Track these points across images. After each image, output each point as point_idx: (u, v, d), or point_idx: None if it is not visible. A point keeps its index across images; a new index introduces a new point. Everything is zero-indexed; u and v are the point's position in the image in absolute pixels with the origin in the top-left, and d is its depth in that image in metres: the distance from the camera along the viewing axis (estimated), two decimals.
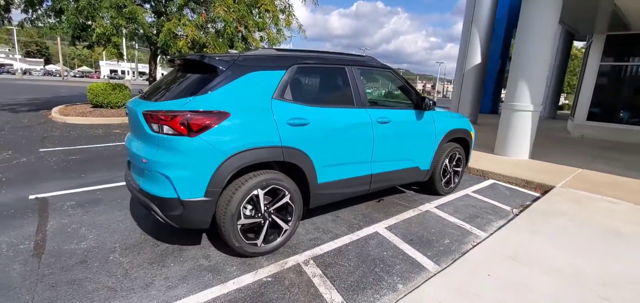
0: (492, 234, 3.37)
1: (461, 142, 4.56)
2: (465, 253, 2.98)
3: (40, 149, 6.17)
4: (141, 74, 62.95)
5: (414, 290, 2.38)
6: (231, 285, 2.42)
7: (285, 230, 2.89)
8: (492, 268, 2.68)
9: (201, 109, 2.41)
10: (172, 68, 3.32)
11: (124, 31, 9.53)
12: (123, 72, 68.89)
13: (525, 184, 5.12)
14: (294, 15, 11.95)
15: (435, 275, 2.59)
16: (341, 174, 3.24)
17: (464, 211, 4.01)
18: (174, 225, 2.56)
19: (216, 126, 2.43)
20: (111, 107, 10.30)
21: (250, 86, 2.68)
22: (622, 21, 9.22)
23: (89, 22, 9.32)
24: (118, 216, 3.49)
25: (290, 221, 2.91)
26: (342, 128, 3.17)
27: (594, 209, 4.00)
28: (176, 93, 2.62)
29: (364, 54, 3.90)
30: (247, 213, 2.66)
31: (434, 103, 3.84)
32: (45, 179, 4.55)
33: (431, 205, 4.16)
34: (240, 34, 10.15)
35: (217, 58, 2.66)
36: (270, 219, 2.79)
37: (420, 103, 3.86)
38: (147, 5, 10.55)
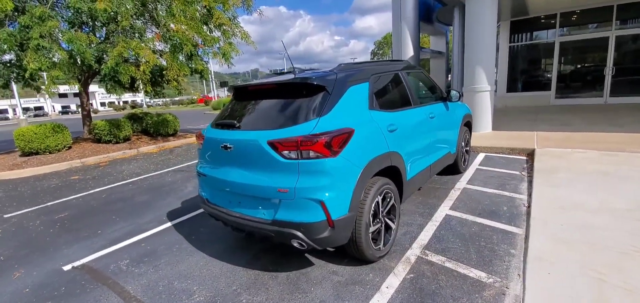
0: (530, 195, 4.08)
1: (468, 125, 5.28)
2: (528, 214, 3.60)
3: (5, 215, 5.06)
4: (25, 110, 52.71)
5: (527, 249, 2.86)
6: (387, 290, 2.56)
7: (393, 229, 3.11)
8: (557, 219, 3.32)
9: (334, 128, 2.49)
10: (238, 94, 3.23)
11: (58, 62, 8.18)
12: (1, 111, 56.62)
13: (510, 151, 6.14)
14: (242, 27, 11.70)
15: (529, 235, 3.11)
16: (417, 169, 3.58)
17: (491, 182, 4.71)
18: (316, 248, 2.57)
19: (349, 142, 2.54)
20: (50, 153, 8.71)
21: (354, 100, 2.83)
22: (524, 9, 11.38)
23: (11, 58, 7.78)
24: (197, 261, 3.24)
25: (394, 220, 3.13)
26: (414, 127, 3.51)
27: (575, 160, 5.08)
28: (288, 118, 2.61)
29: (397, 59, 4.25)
30: (372, 220, 2.81)
31: (461, 95, 4.41)
32: (57, 246, 3.85)
33: (462, 183, 4.76)
34: (198, 52, 9.57)
35: (323, 77, 2.73)
36: (384, 222, 2.98)
37: (446, 96, 4.40)
38: (64, 25, 9.02)
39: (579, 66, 11.76)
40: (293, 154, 2.43)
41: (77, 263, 3.42)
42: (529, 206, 3.80)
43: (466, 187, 4.60)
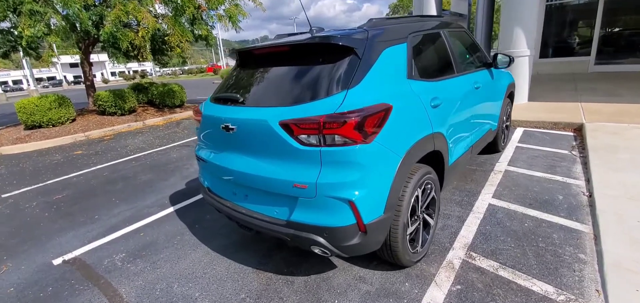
0: (588, 180, 3.46)
1: (511, 97, 4.58)
2: (591, 205, 3.00)
3: (2, 195, 4.75)
4: (39, 81, 52.67)
5: (602, 255, 2.29)
6: None
7: (432, 226, 2.58)
8: (630, 213, 2.73)
9: (367, 105, 1.90)
10: (243, 60, 2.64)
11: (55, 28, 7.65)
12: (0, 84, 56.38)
13: (553, 125, 5.43)
14: None
15: (599, 235, 2.53)
16: (460, 151, 2.99)
17: (537, 163, 4.07)
18: (341, 256, 2.07)
19: (386, 123, 1.96)
20: (53, 126, 8.38)
21: (390, 66, 2.21)
22: None
23: (9, 26, 7.30)
24: (201, 258, 2.80)
25: (433, 215, 2.60)
26: (460, 100, 2.89)
27: (635, 137, 4.37)
28: (306, 90, 2.02)
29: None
30: (410, 219, 2.27)
31: (511, 61, 3.67)
32: (51, 233, 3.49)
33: (503, 164, 4.15)
34: (201, 15, 8.87)
35: (352, 36, 2.10)
36: (421, 218, 2.44)
37: (492, 61, 3.69)
38: None
39: (623, 28, 10.54)
40: (313, 140, 1.88)
41: (68, 256, 3.04)
42: (590, 195, 3.19)
43: (508, 169, 3.98)
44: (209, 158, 2.54)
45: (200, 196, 4.04)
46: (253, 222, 2.23)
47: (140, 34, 7.63)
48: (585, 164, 3.90)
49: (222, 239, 3.07)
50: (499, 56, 3.64)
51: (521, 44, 6.68)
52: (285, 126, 1.93)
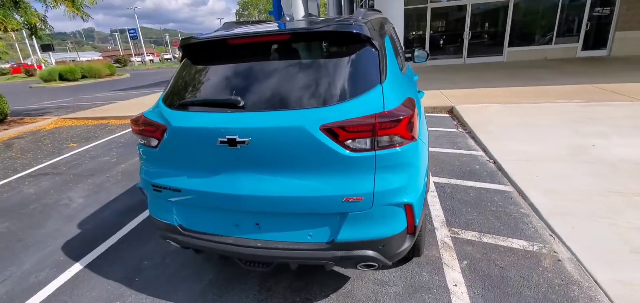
0: (485, 150, 4.35)
1: None
2: (500, 170, 3.79)
3: None
4: None
5: (536, 208, 2.95)
6: (457, 289, 2.20)
7: None
8: (529, 172, 3.60)
9: (403, 100, 1.83)
10: (202, 55, 2.10)
11: None
12: None
13: (433, 109, 6.58)
14: None
15: (522, 192, 3.22)
16: None
17: (441, 142, 4.86)
18: (387, 266, 1.92)
19: (417, 117, 1.94)
20: None
21: (392, 58, 2.19)
22: None
23: None
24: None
25: None
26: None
27: (491, 114, 5.78)
28: (333, 89, 1.74)
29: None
30: None
31: (428, 55, 4.16)
32: None
33: None
34: None
35: (362, 26, 1.83)
36: None
37: (411, 57, 4.11)
38: None
39: (444, 30, 13.65)
40: (362, 144, 1.67)
41: None
42: (494, 162, 4.03)
43: None
44: (188, 186, 1.90)
45: (117, 235, 3.04)
46: (275, 254, 1.82)
47: None
48: (474, 138, 4.90)
49: (189, 284, 2.38)
50: (417, 51, 4.09)
51: None
52: (328, 131, 1.64)
